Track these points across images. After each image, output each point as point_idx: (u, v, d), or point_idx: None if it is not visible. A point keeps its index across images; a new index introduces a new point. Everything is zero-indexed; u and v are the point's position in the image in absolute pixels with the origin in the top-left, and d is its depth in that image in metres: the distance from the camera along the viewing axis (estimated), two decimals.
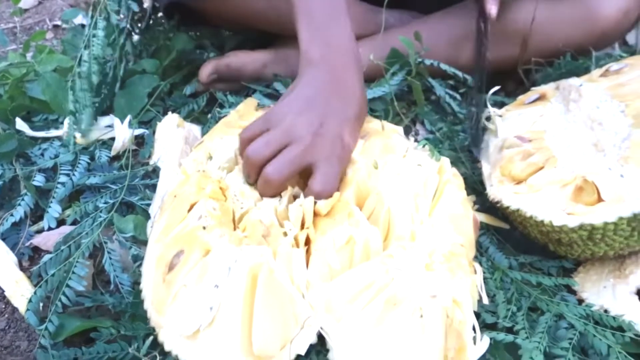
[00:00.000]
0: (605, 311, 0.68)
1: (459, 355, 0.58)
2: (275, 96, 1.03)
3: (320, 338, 0.59)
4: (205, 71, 1.05)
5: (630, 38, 1.18)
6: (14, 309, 0.78)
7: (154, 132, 1.00)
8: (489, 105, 0.86)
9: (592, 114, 0.77)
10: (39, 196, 0.91)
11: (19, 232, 0.88)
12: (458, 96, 1.02)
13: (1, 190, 0.93)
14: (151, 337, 0.64)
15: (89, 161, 0.97)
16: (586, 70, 0.94)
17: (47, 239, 0.85)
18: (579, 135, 0.77)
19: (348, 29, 0.76)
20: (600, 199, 0.67)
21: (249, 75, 1.06)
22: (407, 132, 0.97)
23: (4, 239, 0.86)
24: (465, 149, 0.93)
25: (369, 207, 0.69)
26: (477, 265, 0.68)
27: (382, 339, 0.57)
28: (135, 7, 1.04)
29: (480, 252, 0.78)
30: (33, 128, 1.05)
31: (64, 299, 0.70)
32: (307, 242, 0.66)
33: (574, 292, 0.73)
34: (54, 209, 0.88)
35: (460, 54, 1.00)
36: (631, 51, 1.12)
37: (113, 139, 1.01)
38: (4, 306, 0.79)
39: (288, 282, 0.61)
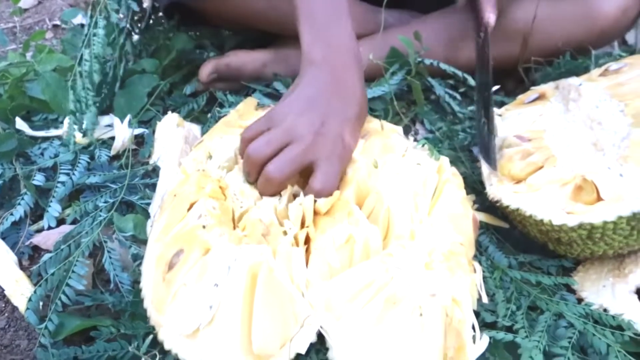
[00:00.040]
0: (605, 310, 0.68)
1: (458, 354, 0.58)
2: (275, 95, 1.03)
3: (320, 337, 0.60)
4: (205, 70, 1.05)
5: (630, 37, 1.18)
6: (14, 308, 0.78)
7: (153, 132, 1.00)
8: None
9: (592, 113, 0.77)
10: (38, 195, 0.91)
11: (18, 231, 0.88)
12: (458, 96, 1.02)
13: (1, 189, 0.93)
14: (151, 336, 0.64)
15: (88, 160, 0.97)
16: (585, 70, 0.95)
17: (47, 238, 0.85)
18: (578, 135, 0.77)
19: (349, 30, 0.77)
20: (599, 198, 0.67)
21: (249, 75, 1.06)
22: (406, 131, 0.97)
23: (3, 238, 0.86)
24: (464, 149, 0.93)
25: (368, 206, 0.70)
26: (476, 264, 0.68)
27: (382, 337, 0.57)
28: (135, 6, 1.04)
29: (480, 251, 0.78)
30: (33, 127, 1.05)
31: (63, 297, 0.70)
32: (307, 241, 0.66)
33: (573, 291, 0.73)
34: (54, 208, 0.88)
35: (460, 53, 1.00)
36: (630, 50, 1.12)
37: (113, 138, 1.01)
38: (3, 305, 0.79)
39: (288, 281, 0.61)
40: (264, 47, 1.10)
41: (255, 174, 0.71)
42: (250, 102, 0.91)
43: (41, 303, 0.72)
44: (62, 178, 0.92)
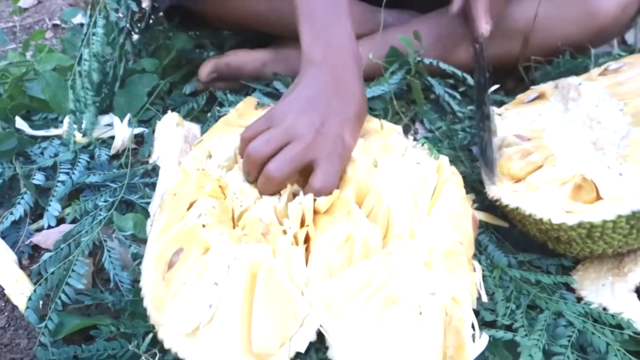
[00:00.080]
0: (604, 309, 0.68)
1: (458, 352, 0.58)
2: (274, 95, 1.03)
3: (320, 336, 0.60)
4: (205, 70, 1.05)
5: (629, 37, 1.18)
6: (14, 307, 0.78)
7: (153, 131, 1.00)
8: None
9: (591, 112, 0.77)
10: (38, 195, 0.91)
11: (18, 231, 0.88)
12: (457, 95, 1.02)
13: (1, 188, 0.93)
14: (151, 335, 0.64)
15: (88, 160, 0.97)
16: (585, 69, 0.95)
17: (47, 237, 0.85)
18: (578, 134, 0.77)
19: (349, 30, 0.77)
20: (599, 197, 0.67)
21: (249, 74, 1.07)
22: (406, 130, 0.97)
23: (3, 238, 0.86)
24: (464, 148, 0.93)
25: (368, 205, 0.70)
26: (476, 263, 0.68)
27: (382, 336, 0.57)
28: (134, 6, 1.04)
29: (480, 250, 0.78)
30: (33, 127, 1.05)
31: (63, 297, 0.70)
32: (307, 239, 0.66)
33: (572, 290, 0.73)
34: (54, 208, 0.88)
35: (459, 52, 1.00)
36: (630, 50, 1.12)
37: (113, 137, 1.01)
38: (3, 304, 0.79)
39: (287, 280, 0.61)
40: (263, 47, 1.10)
41: (255, 173, 0.71)
42: (250, 101, 0.91)
43: (41, 302, 0.72)
44: (62, 177, 0.92)
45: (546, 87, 0.87)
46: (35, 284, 0.75)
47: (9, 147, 0.96)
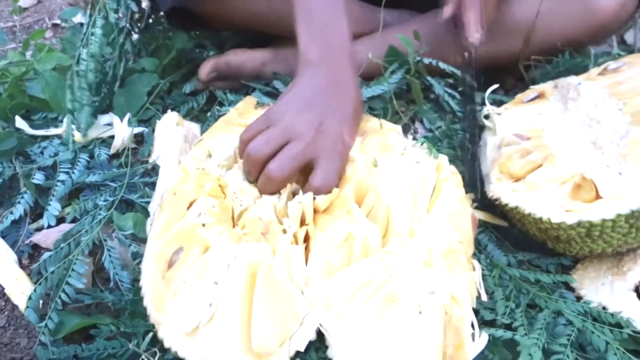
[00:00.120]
0: (604, 308, 0.68)
1: (457, 351, 0.59)
2: (274, 94, 1.03)
3: (320, 335, 0.60)
4: (205, 69, 1.05)
5: (629, 37, 1.18)
6: (14, 307, 0.78)
7: (153, 130, 1.00)
8: (487, 104, 0.86)
9: (591, 112, 0.77)
10: (38, 194, 0.91)
11: (18, 230, 0.88)
12: (457, 95, 1.02)
13: (1, 188, 0.93)
14: (151, 334, 0.64)
15: (88, 159, 0.97)
16: (584, 69, 0.95)
17: (47, 237, 0.86)
18: (577, 133, 0.77)
19: (346, 30, 0.78)
20: (598, 196, 0.68)
21: (249, 74, 1.07)
22: (405, 130, 0.97)
23: (3, 237, 0.86)
24: (464, 147, 0.93)
25: (368, 205, 0.70)
26: (475, 262, 0.68)
27: (381, 335, 0.57)
28: (134, 6, 1.04)
29: (479, 249, 0.78)
30: (32, 126, 1.05)
31: (63, 296, 0.70)
32: (306, 239, 0.66)
33: (572, 289, 0.73)
34: (54, 207, 0.88)
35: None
36: (629, 50, 1.12)
37: (112, 137, 1.01)
38: (3, 304, 0.80)
39: (287, 279, 0.61)
40: (263, 46, 1.10)
41: (255, 173, 0.71)
42: (249, 100, 0.91)
43: (41, 301, 0.72)
44: (62, 177, 0.92)
45: (545, 86, 0.88)
46: (35, 283, 0.75)
47: (9, 147, 0.96)
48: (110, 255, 0.77)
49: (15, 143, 0.97)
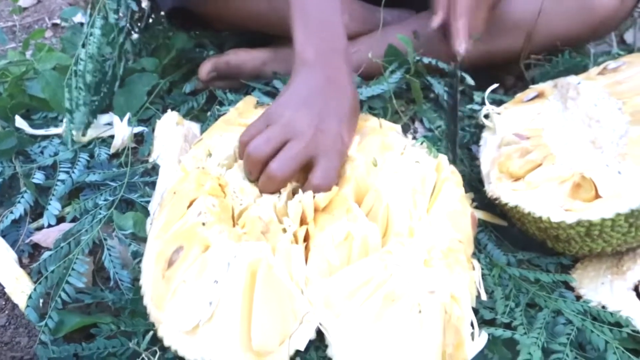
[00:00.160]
0: (603, 307, 0.69)
1: (457, 350, 0.59)
2: (274, 94, 1.03)
3: (320, 334, 0.60)
4: (205, 69, 1.05)
5: (628, 36, 1.19)
6: (14, 306, 0.78)
7: (153, 130, 1.00)
8: (487, 103, 0.86)
9: (590, 111, 0.78)
10: (38, 194, 0.91)
11: (18, 230, 0.88)
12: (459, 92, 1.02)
13: (1, 187, 0.93)
14: (151, 333, 0.64)
15: (88, 159, 0.97)
16: (584, 68, 0.95)
17: (47, 236, 0.86)
18: (576, 133, 0.77)
19: (341, 30, 0.78)
20: (598, 196, 0.68)
21: (249, 73, 1.07)
22: (405, 130, 0.97)
23: (4, 236, 0.86)
24: (463, 147, 0.94)
25: (367, 204, 0.70)
26: (475, 261, 0.68)
27: (381, 334, 0.57)
28: (134, 6, 1.04)
29: (479, 248, 0.78)
30: (32, 126, 1.05)
31: (63, 295, 0.70)
32: (306, 238, 0.66)
33: (571, 289, 0.73)
34: (54, 206, 0.88)
35: None
36: (629, 49, 1.13)
37: (112, 136, 1.01)
38: (4, 303, 0.80)
39: (287, 278, 0.61)
40: (263, 46, 1.10)
41: (256, 172, 0.71)
42: (249, 100, 0.91)
43: (41, 300, 0.72)
44: (62, 176, 0.92)
45: (545, 86, 0.88)
46: (35, 282, 0.75)
47: (9, 146, 0.96)
48: (110, 255, 0.77)
49: (15, 142, 0.97)
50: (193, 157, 0.76)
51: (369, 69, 0.97)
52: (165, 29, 1.17)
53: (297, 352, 0.59)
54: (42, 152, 0.99)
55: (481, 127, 0.89)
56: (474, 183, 0.86)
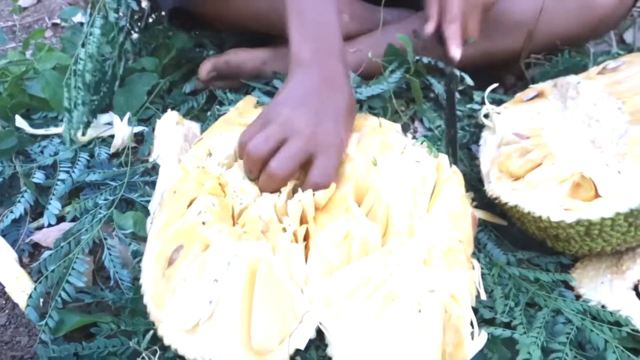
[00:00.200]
0: (603, 306, 0.69)
1: (457, 350, 0.59)
2: (274, 94, 1.02)
3: (319, 333, 0.60)
4: (205, 69, 1.05)
5: (628, 36, 1.19)
6: (15, 305, 0.78)
7: (153, 130, 1.00)
8: (487, 103, 0.87)
9: (590, 111, 0.78)
10: (38, 193, 0.91)
11: (19, 229, 0.88)
12: (457, 94, 1.02)
13: (1, 187, 0.93)
14: (151, 332, 0.64)
15: (88, 158, 0.97)
16: (584, 68, 0.95)
17: (47, 236, 0.86)
18: (576, 132, 0.77)
19: (337, 30, 0.78)
20: (597, 195, 0.68)
21: (249, 73, 1.07)
22: (405, 129, 0.97)
23: (4, 236, 0.86)
24: (463, 147, 0.94)
25: (367, 204, 0.70)
26: (475, 261, 0.68)
27: (381, 333, 0.57)
28: (134, 5, 1.04)
29: (479, 248, 0.78)
30: (33, 125, 1.05)
31: (64, 294, 0.71)
32: (306, 237, 0.66)
33: (571, 288, 0.73)
34: (54, 206, 0.88)
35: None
36: (628, 49, 1.13)
37: (112, 136, 1.01)
38: (4, 302, 0.80)
39: (287, 277, 0.61)
40: (263, 46, 1.10)
41: (256, 171, 0.71)
42: (249, 100, 0.91)
43: (41, 300, 0.72)
44: (62, 176, 0.92)
45: (545, 85, 0.88)
46: (35, 281, 0.75)
47: (9, 146, 0.96)
48: (110, 254, 0.77)
49: (16, 142, 0.97)
50: (193, 157, 0.76)
51: (369, 68, 0.97)
52: (165, 28, 1.17)
53: (297, 351, 0.60)
54: (42, 152, 0.99)
55: (481, 127, 0.89)
56: (473, 182, 0.86)
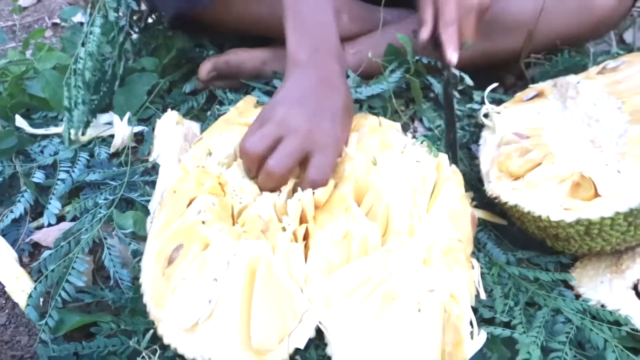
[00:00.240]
0: (602, 306, 0.69)
1: (456, 349, 0.59)
2: (274, 93, 1.03)
3: (319, 332, 0.60)
4: (205, 68, 1.05)
5: (627, 36, 1.19)
6: (15, 305, 0.78)
7: (153, 129, 1.00)
8: (487, 103, 0.87)
9: (589, 110, 0.78)
10: (38, 193, 0.91)
11: (19, 229, 0.88)
12: (456, 94, 1.02)
13: (1, 187, 0.93)
14: (151, 331, 0.64)
15: (88, 158, 0.97)
16: (583, 68, 0.95)
17: (47, 235, 0.86)
18: (576, 132, 0.77)
19: (334, 31, 0.79)
20: (597, 195, 0.68)
21: (248, 73, 1.07)
22: (405, 129, 0.97)
23: (4, 235, 0.86)
24: (463, 146, 0.94)
25: (367, 203, 0.70)
26: (474, 260, 0.68)
27: (380, 333, 0.57)
28: (134, 5, 1.04)
29: (478, 247, 0.78)
30: (32, 125, 1.05)
31: (63, 294, 0.71)
32: (306, 236, 0.66)
33: (571, 287, 0.73)
34: (54, 206, 0.88)
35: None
36: (628, 49, 1.13)
37: (112, 136, 1.01)
38: (4, 302, 0.80)
39: (286, 276, 0.61)
40: (263, 46, 1.10)
41: (254, 169, 0.72)
42: (249, 99, 0.91)
43: (41, 299, 0.72)
44: (62, 175, 0.92)
45: (545, 85, 0.88)
46: (35, 281, 0.75)
47: (9, 146, 0.96)
48: (110, 254, 0.77)
49: (15, 142, 0.97)
50: (193, 156, 0.76)
51: (369, 68, 0.97)
52: (165, 28, 1.17)
53: (297, 351, 0.60)
54: (42, 152, 0.99)
55: (481, 127, 0.89)
56: (473, 182, 0.86)
